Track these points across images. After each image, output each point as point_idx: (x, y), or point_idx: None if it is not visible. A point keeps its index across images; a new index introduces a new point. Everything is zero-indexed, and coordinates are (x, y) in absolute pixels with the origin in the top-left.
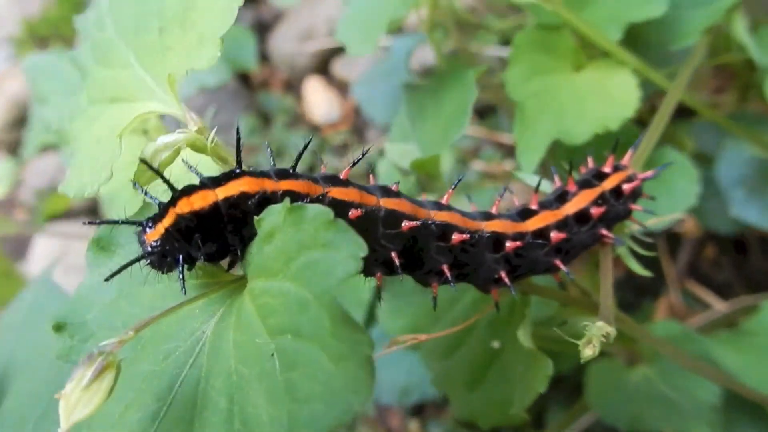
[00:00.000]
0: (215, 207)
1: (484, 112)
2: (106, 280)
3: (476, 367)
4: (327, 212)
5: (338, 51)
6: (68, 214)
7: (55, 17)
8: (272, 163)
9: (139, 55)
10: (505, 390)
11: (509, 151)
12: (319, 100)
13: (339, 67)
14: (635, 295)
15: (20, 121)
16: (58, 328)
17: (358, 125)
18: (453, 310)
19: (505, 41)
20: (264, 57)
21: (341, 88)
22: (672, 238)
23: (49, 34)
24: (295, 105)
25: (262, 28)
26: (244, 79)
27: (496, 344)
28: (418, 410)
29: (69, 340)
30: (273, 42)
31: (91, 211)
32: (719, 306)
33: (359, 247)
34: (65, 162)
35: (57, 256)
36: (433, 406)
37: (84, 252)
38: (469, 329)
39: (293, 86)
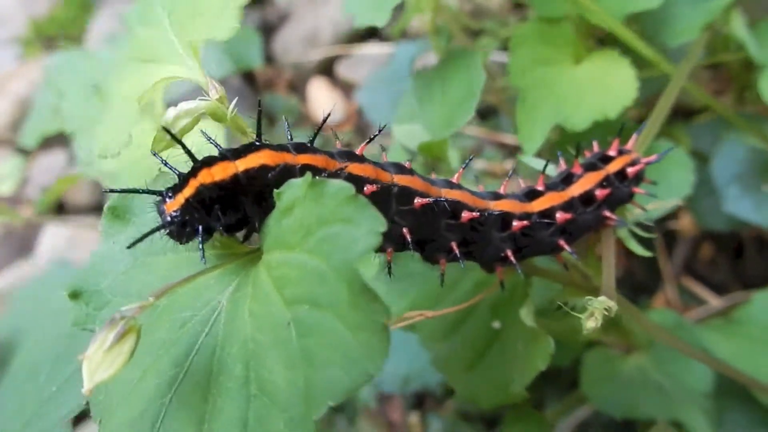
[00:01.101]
0: (235, 178)
1: (485, 114)
2: (128, 247)
3: (477, 347)
4: (348, 188)
5: (342, 47)
6: (74, 210)
7: (62, 17)
8: (289, 137)
9: (172, 18)
10: (505, 369)
11: (510, 151)
12: (323, 101)
13: (343, 68)
14: (632, 293)
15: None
16: (74, 295)
17: (361, 125)
18: (455, 293)
19: (505, 47)
20: (269, 58)
21: (345, 88)
22: (669, 236)
23: (56, 34)
24: (300, 105)
25: (268, 29)
26: (249, 79)
27: (496, 324)
28: (419, 403)
29: (85, 307)
30: (278, 43)
31: (96, 208)
32: (714, 302)
33: (379, 223)
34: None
35: (64, 249)
36: (433, 399)
37: (89, 246)
38: (470, 310)
39: (298, 87)
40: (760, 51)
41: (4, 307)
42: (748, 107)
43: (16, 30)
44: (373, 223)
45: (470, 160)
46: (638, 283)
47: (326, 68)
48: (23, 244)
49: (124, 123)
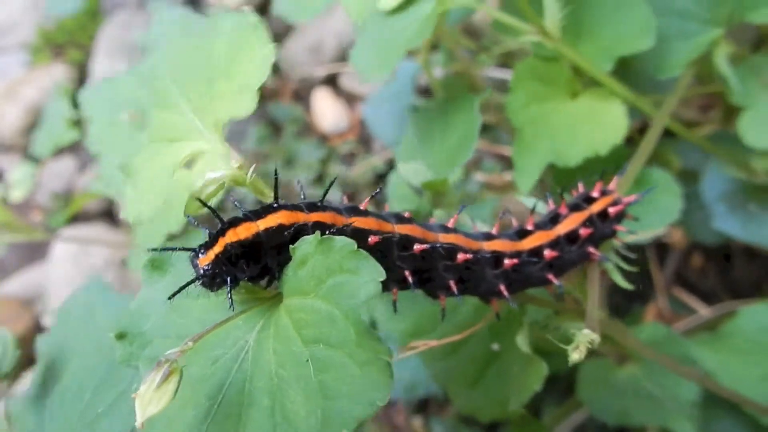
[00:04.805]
0: (257, 236)
1: (484, 127)
2: (169, 298)
3: (477, 366)
4: (351, 243)
5: (346, 65)
6: (84, 218)
7: (71, 25)
8: (302, 196)
9: (190, 102)
10: (503, 388)
11: (509, 163)
12: (327, 110)
13: (346, 79)
14: (626, 301)
15: (36, 126)
16: (120, 336)
17: (364, 135)
18: (455, 316)
19: (503, 63)
20: (275, 68)
21: (349, 99)
22: (661, 247)
23: (65, 41)
24: (304, 115)
25: (274, 40)
26: None
27: (495, 347)
28: (422, 408)
29: (129, 347)
30: (283, 53)
31: (105, 214)
32: (704, 311)
33: (378, 273)
34: (109, 184)
35: (75, 257)
36: (436, 404)
37: (100, 253)
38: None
39: (302, 97)
40: (743, 91)
41: (12, 309)
42: (735, 124)
43: (25, 37)
44: (373, 273)
45: (463, 207)
46: (631, 291)
47: (330, 78)
48: (34, 249)
49: (158, 195)
